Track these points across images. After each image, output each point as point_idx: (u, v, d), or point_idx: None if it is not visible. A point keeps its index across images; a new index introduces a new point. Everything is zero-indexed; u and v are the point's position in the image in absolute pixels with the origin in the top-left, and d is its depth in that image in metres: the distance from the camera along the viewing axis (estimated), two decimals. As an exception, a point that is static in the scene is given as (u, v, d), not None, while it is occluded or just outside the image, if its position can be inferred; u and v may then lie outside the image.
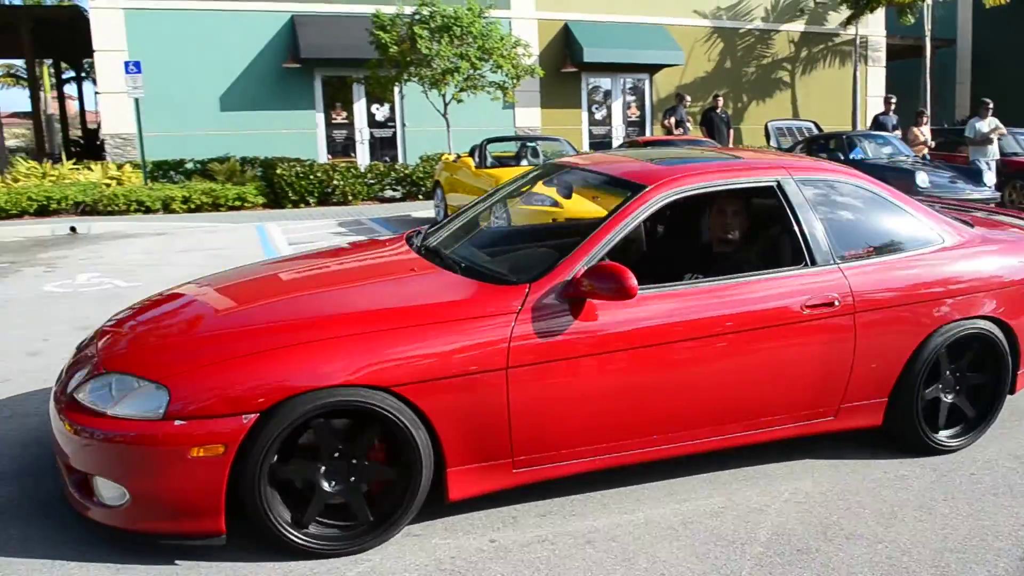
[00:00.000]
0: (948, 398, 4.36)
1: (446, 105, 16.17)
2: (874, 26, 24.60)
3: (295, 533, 3.26)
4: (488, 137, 12.70)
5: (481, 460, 3.51)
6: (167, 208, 15.15)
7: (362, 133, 20.18)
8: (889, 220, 4.40)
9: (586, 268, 3.58)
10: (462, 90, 16.11)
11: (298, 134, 18.96)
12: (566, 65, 21.31)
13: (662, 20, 21.93)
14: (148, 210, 14.98)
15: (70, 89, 41.01)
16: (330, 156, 19.51)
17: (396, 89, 17.38)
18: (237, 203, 15.62)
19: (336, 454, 3.30)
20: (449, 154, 14.52)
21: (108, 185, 15.85)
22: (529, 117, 21.23)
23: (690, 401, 3.82)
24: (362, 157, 19.87)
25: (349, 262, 4.77)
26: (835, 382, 4.08)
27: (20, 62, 40.30)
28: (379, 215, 14.79)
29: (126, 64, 15.69)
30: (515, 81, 16.49)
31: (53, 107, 36.81)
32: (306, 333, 3.39)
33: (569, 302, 3.57)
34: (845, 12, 23.16)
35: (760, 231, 4.51)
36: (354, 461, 3.33)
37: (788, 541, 3.38)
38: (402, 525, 3.43)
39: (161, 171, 17.47)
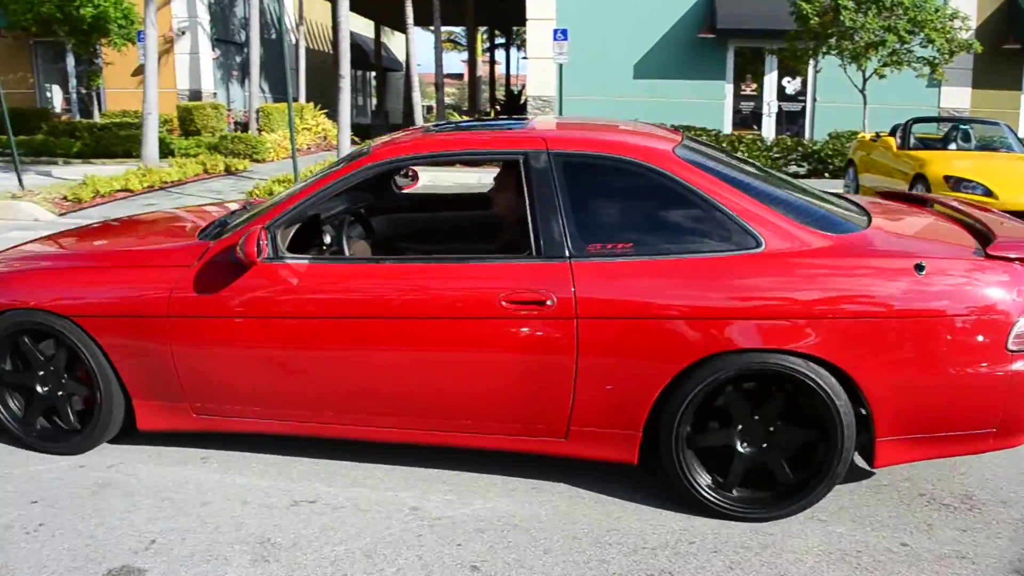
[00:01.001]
0: (745, 449, 3.35)
1: (865, 81, 15.20)
2: None
3: (17, 428, 4.00)
4: (915, 116, 11.74)
5: (161, 399, 3.80)
6: (575, 168, 16.08)
7: (770, 106, 19.73)
8: (676, 212, 3.46)
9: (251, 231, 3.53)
10: (885, 65, 15.04)
11: (705, 104, 19.03)
12: (1008, 41, 18.90)
13: None
14: (559, 169, 16.03)
15: (498, 55, 44.74)
16: (733, 128, 19.36)
17: (811, 62, 16.68)
18: (639, 168, 16.10)
19: (49, 369, 3.91)
20: (865, 132, 13.68)
21: (527, 143, 17.20)
22: (957, 98, 19.24)
23: (360, 384, 3.59)
24: (767, 130, 19.45)
25: (189, 218, 4.85)
26: (554, 397, 3.41)
27: (459, 29, 44.84)
28: (779, 192, 14.36)
29: (554, 32, 16.78)
30: (947, 57, 15.03)
31: (482, 70, 40.38)
32: (43, 263, 4.10)
33: (239, 264, 3.54)
34: None
35: (519, 211, 3.70)
36: (65, 377, 3.90)
37: None
38: (99, 437, 3.94)
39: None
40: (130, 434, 4.02)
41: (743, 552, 3.14)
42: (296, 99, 22.29)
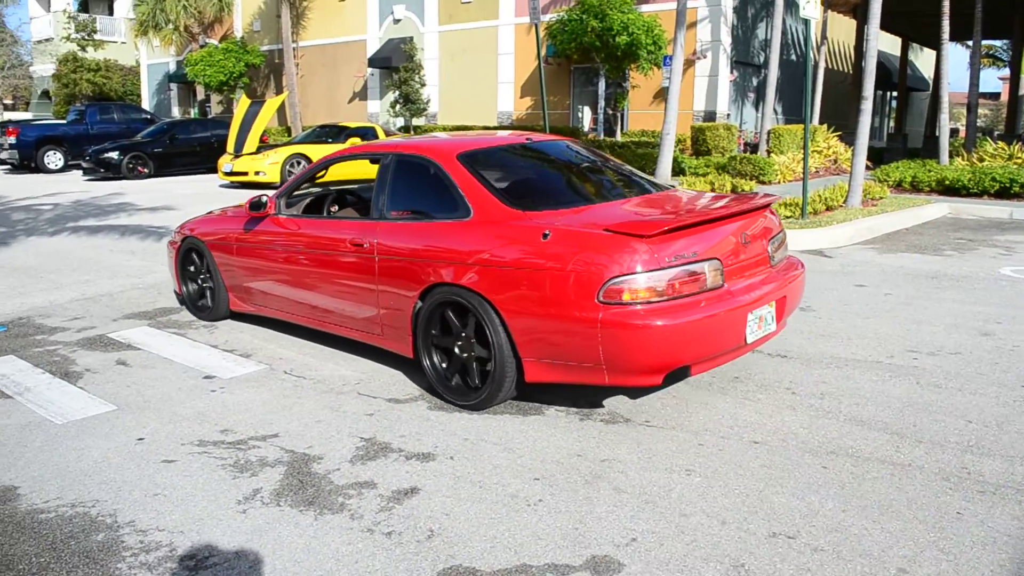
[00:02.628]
0: (459, 354, 4.74)
1: None
2: None
3: (188, 303, 7.15)
4: None
5: (237, 293, 6.50)
6: None
7: None
8: (436, 194, 4.98)
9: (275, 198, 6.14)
10: None
11: None
12: None
13: None
14: (1119, 205, 13.47)
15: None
16: None
17: None
18: None
19: (201, 271, 6.87)
20: None
21: (1077, 173, 14.75)
22: None
23: (300, 288, 5.79)
24: None
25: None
26: (371, 307, 5.24)
27: (999, 43, 40.21)
28: None
29: None
30: None
31: (1026, 89, 35.70)
32: (205, 217, 7.02)
33: (256, 215, 6.16)
34: None
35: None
36: (205, 273, 6.82)
37: None
38: (216, 313, 6.78)
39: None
40: (624, 435, 4.26)
41: None
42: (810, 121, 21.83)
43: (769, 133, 19.96)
